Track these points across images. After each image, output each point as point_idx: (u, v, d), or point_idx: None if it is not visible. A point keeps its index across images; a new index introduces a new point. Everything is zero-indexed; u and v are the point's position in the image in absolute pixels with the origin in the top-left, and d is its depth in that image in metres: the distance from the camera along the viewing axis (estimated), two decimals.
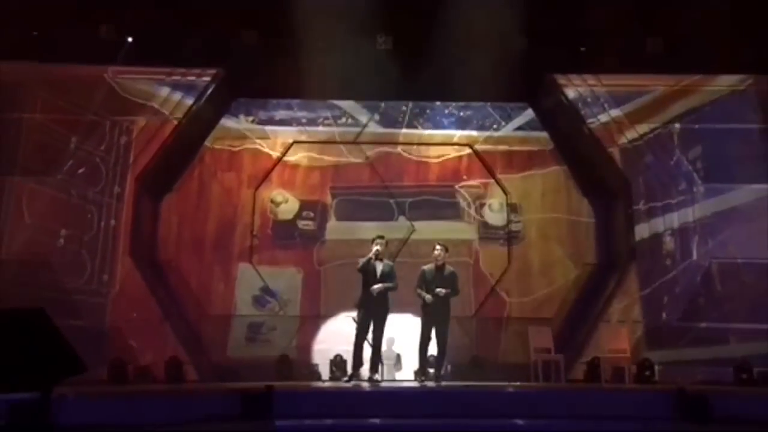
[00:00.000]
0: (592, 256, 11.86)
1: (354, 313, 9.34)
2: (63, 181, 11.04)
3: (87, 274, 10.90)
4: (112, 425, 5.91)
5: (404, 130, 12.30)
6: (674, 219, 11.20)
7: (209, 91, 11.73)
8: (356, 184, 12.06)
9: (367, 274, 8.83)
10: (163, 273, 11.58)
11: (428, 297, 8.80)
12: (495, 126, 12.29)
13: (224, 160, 12.12)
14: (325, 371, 10.75)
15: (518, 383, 9.38)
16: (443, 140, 12.32)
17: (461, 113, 12.38)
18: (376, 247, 8.85)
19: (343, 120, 12.32)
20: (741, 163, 11.10)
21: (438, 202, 11.98)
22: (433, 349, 9.06)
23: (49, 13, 10.52)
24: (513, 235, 11.90)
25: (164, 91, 11.57)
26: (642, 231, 11.26)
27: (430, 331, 8.93)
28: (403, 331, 10.13)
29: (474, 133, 12.28)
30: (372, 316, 8.83)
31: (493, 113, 12.33)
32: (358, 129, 12.29)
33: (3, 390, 4.36)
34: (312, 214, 11.96)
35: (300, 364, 10.92)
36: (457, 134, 12.32)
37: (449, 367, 10.10)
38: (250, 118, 12.27)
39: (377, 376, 9.00)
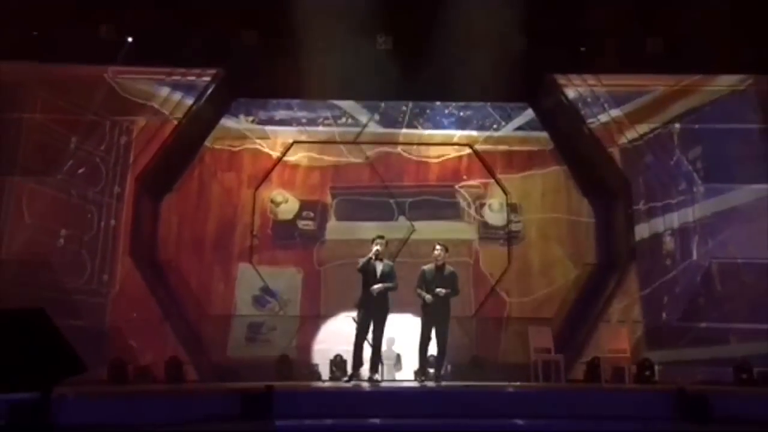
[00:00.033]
0: (592, 256, 11.86)
1: (354, 313, 9.35)
2: (63, 181, 11.04)
3: (87, 274, 10.90)
4: (112, 425, 5.91)
5: (404, 130, 12.30)
6: (674, 219, 11.20)
7: (209, 91, 11.73)
8: (356, 184, 12.07)
9: (367, 274, 8.83)
10: (163, 273, 11.58)
11: (428, 297, 8.81)
12: (495, 126, 12.29)
13: (224, 160, 12.12)
14: (325, 371, 10.75)
15: (518, 383, 9.38)
16: (443, 140, 12.32)
17: (461, 113, 12.38)
18: (376, 247, 8.85)
19: (343, 120, 12.32)
20: (741, 163, 11.10)
21: (438, 202, 11.98)
22: (433, 349, 9.06)
23: (49, 13, 10.53)
24: (513, 235, 11.91)
25: (164, 91, 11.57)
26: (642, 231, 11.27)
27: (430, 331, 8.93)
28: (403, 331, 10.14)
29: (474, 133, 12.28)
30: (372, 316, 8.83)
31: (493, 113, 12.33)
32: (358, 129, 12.29)
33: (3, 390, 4.35)
34: (312, 214, 11.96)
35: (300, 364, 10.92)
36: (457, 134, 12.33)
37: (449, 367, 10.10)
38: (250, 118, 12.27)
39: (377, 376, 9.00)
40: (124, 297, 10.91)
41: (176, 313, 11.25)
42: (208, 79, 11.65)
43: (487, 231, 11.94)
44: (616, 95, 11.60)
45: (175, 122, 11.53)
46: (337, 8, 10.10)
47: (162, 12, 10.71)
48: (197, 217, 11.85)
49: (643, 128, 11.50)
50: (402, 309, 9.50)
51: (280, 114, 12.30)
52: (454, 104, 12.40)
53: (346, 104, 12.36)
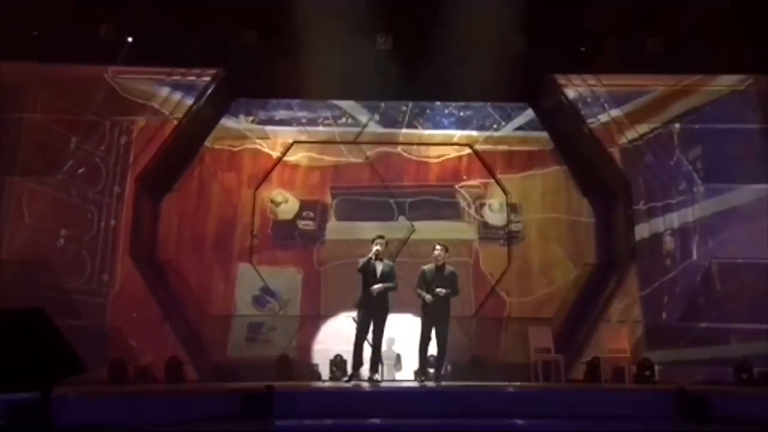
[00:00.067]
0: (592, 256, 11.87)
1: (354, 313, 9.34)
2: (63, 181, 11.05)
3: (87, 274, 10.91)
4: (113, 425, 5.91)
5: (404, 130, 12.31)
6: (674, 219, 11.21)
7: (209, 91, 11.73)
8: (356, 184, 12.08)
9: (367, 274, 8.84)
10: (163, 273, 11.59)
11: (428, 297, 8.81)
12: (495, 126, 12.30)
13: (224, 160, 12.13)
14: (325, 371, 10.76)
15: (518, 383, 9.39)
16: (443, 140, 12.33)
17: (461, 113, 12.39)
18: (376, 247, 8.85)
19: (343, 120, 12.33)
20: (741, 163, 11.10)
21: (438, 202, 11.99)
22: (433, 349, 9.06)
23: (49, 14, 10.53)
24: (513, 235, 11.91)
25: (164, 91, 11.57)
26: (642, 231, 11.27)
27: (430, 331, 8.94)
28: (403, 331, 10.14)
29: (474, 133, 12.29)
30: (372, 316, 8.83)
31: (493, 113, 12.34)
32: (358, 129, 12.30)
33: (3, 390, 4.35)
34: (312, 214, 11.97)
35: (300, 364, 10.93)
36: (457, 134, 12.33)
37: (449, 367, 10.11)
38: (250, 118, 12.28)
39: (377, 376, 9.00)
40: (124, 297, 10.91)
41: (176, 313, 11.26)
42: (208, 79, 11.65)
43: (487, 231, 11.95)
44: (616, 95, 11.60)
45: (175, 122, 11.53)
46: (337, 8, 10.11)
47: (162, 12, 10.71)
48: (197, 217, 11.86)
49: (643, 128, 11.50)
50: (402, 309, 9.50)
51: (280, 114, 12.31)
52: (454, 104, 12.41)
53: (346, 104, 12.36)
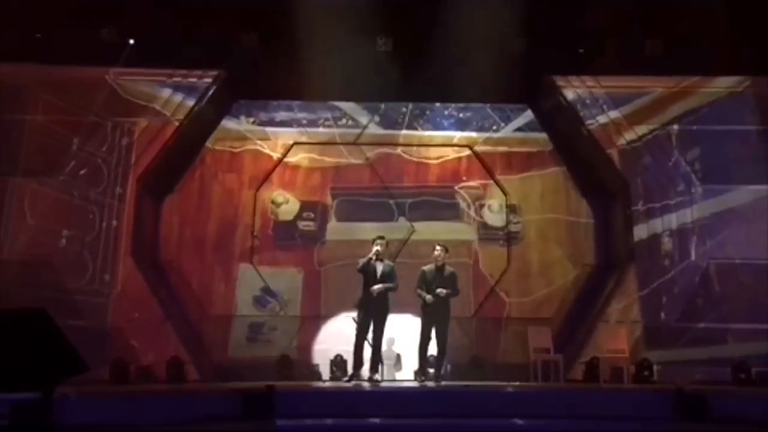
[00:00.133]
0: (591, 257, 11.90)
1: (354, 314, 9.35)
2: (65, 182, 11.08)
3: (89, 275, 10.94)
4: (114, 425, 5.92)
5: (404, 132, 12.35)
6: (672, 220, 11.24)
7: (210, 93, 11.75)
8: (356, 185, 12.11)
9: (368, 274, 8.86)
10: (165, 273, 11.62)
11: (429, 297, 8.83)
12: (494, 127, 12.33)
13: (225, 161, 12.17)
14: (325, 371, 10.77)
15: (517, 383, 9.41)
16: (443, 141, 12.36)
17: (461, 114, 12.43)
18: (376, 248, 8.88)
19: (344, 121, 12.36)
20: (739, 164, 11.13)
21: (438, 203, 12.02)
22: (433, 349, 9.09)
23: (51, 16, 10.55)
24: (512, 235, 11.94)
25: (165, 92, 11.60)
26: (640, 232, 11.31)
27: (430, 331, 8.96)
28: (403, 331, 10.16)
29: (473, 134, 12.32)
30: (372, 317, 8.86)
31: (493, 114, 12.38)
32: (358, 130, 12.33)
33: (5, 390, 4.38)
34: (312, 215, 12.00)
35: (300, 364, 10.96)
36: (457, 135, 12.37)
37: (449, 367, 10.12)
38: (251, 120, 12.32)
39: (377, 376, 9.02)
40: (125, 297, 10.95)
41: (177, 313, 11.29)
42: (209, 80, 11.68)
43: (486, 232, 11.99)
44: (614, 96, 11.62)
45: (177, 123, 11.56)
46: (337, 10, 10.10)
47: (163, 14, 10.70)
48: (198, 217, 11.90)
49: (641, 129, 11.53)
50: (402, 309, 9.53)
51: (281, 115, 12.34)
52: (453, 105, 12.44)
53: (347, 105, 12.40)
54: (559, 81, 11.77)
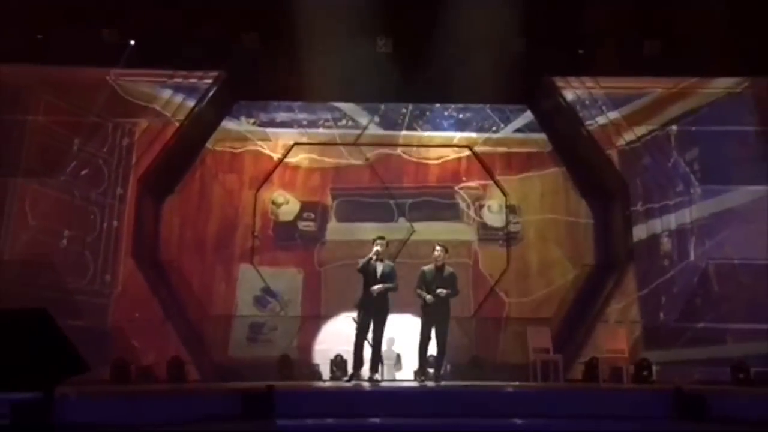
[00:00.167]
0: (591, 257, 11.92)
1: (354, 314, 9.35)
2: (66, 182, 11.11)
3: (89, 275, 10.97)
4: (115, 425, 5.92)
5: (404, 132, 12.37)
6: (671, 220, 11.26)
7: (211, 94, 11.77)
8: (356, 185, 12.13)
9: (368, 274, 8.89)
10: (165, 274, 11.64)
11: (429, 297, 8.85)
12: (494, 128, 12.35)
13: (225, 161, 12.19)
14: (325, 371, 10.79)
15: (517, 383, 9.43)
16: (443, 142, 12.38)
17: (460, 115, 12.44)
18: (376, 248, 8.90)
19: (344, 122, 12.38)
20: (737, 164, 11.15)
21: (437, 204, 12.04)
22: (432, 349, 9.11)
23: (52, 17, 10.59)
24: (512, 236, 11.96)
25: (166, 93, 11.62)
26: (640, 232, 11.32)
27: (430, 331, 8.99)
28: (403, 331, 10.18)
29: (473, 134, 12.34)
30: (372, 317, 8.89)
31: (492, 115, 12.40)
32: (358, 131, 12.35)
33: (6, 389, 4.40)
34: (312, 215, 12.02)
35: (301, 364, 10.98)
36: (457, 136, 12.38)
37: (449, 367, 10.15)
38: (251, 120, 12.33)
39: (377, 376, 9.05)
40: (126, 297, 10.97)
41: (178, 313, 11.31)
42: (209, 81, 11.70)
43: (486, 232, 12.01)
44: (613, 97, 11.64)
45: (177, 124, 11.58)
46: (337, 11, 10.12)
47: (164, 15, 10.72)
48: (199, 218, 11.92)
49: (640, 130, 11.55)
50: (402, 309, 9.55)
51: (281, 116, 12.36)
52: (453, 106, 12.46)
53: (347, 106, 12.41)
54: (559, 82, 11.78)
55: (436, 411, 6.85)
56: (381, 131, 12.39)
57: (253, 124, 12.32)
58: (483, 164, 12.20)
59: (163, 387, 9.29)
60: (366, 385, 8.56)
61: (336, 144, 12.29)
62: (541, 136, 12.31)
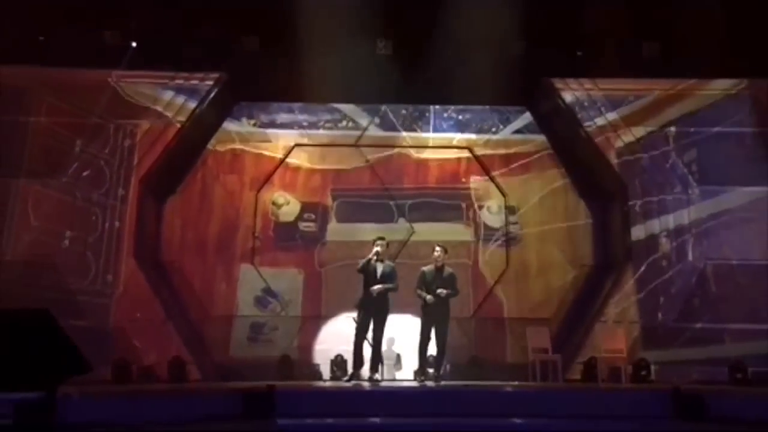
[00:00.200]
0: (590, 258, 11.94)
1: (354, 314, 9.34)
2: (68, 183, 11.14)
3: (91, 275, 10.99)
4: (116, 424, 5.92)
5: (404, 133, 12.40)
6: (670, 221, 11.27)
7: (212, 95, 11.80)
8: (357, 186, 12.17)
9: (368, 275, 8.92)
10: (167, 274, 11.66)
11: (429, 297, 8.88)
12: (494, 129, 12.38)
13: (226, 162, 12.21)
14: (326, 371, 10.82)
15: (516, 383, 9.47)
16: (442, 143, 12.40)
17: (460, 116, 12.47)
18: (376, 249, 8.93)
19: (344, 123, 12.41)
20: (735, 165, 11.17)
21: (437, 204, 12.06)
22: (432, 349, 9.13)
23: (54, 18, 10.63)
24: (511, 236, 11.99)
25: (167, 94, 11.66)
26: (638, 233, 11.33)
27: (430, 331, 9.01)
28: (403, 331, 10.21)
29: (473, 136, 12.37)
30: (372, 317, 8.92)
31: (492, 117, 12.44)
32: (358, 132, 12.38)
33: (8, 389, 4.41)
34: (313, 216, 12.04)
35: (301, 363, 11.01)
36: (456, 137, 12.41)
37: (448, 366, 10.16)
38: (252, 122, 12.36)
39: (377, 376, 9.07)
40: (127, 298, 11.00)
41: (179, 313, 11.33)
42: (210, 82, 11.73)
43: (485, 233, 12.03)
44: (612, 99, 11.68)
45: (179, 125, 11.61)
46: (337, 12, 10.16)
47: (165, 17, 10.77)
48: (200, 218, 11.94)
49: (639, 131, 11.57)
50: (402, 309, 9.58)
51: (282, 117, 12.39)
52: (453, 107, 12.48)
53: (347, 108, 12.45)
54: (558, 83, 11.82)
55: (436, 411, 6.86)
56: (381, 132, 12.41)
57: (254, 125, 12.35)
58: (482, 165, 12.23)
59: (164, 387, 9.29)
60: (366, 385, 8.58)
61: (336, 145, 12.32)
62: (540, 138, 12.34)
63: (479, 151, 12.27)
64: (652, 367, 10.25)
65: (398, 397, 7.64)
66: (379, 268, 8.95)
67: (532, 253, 11.93)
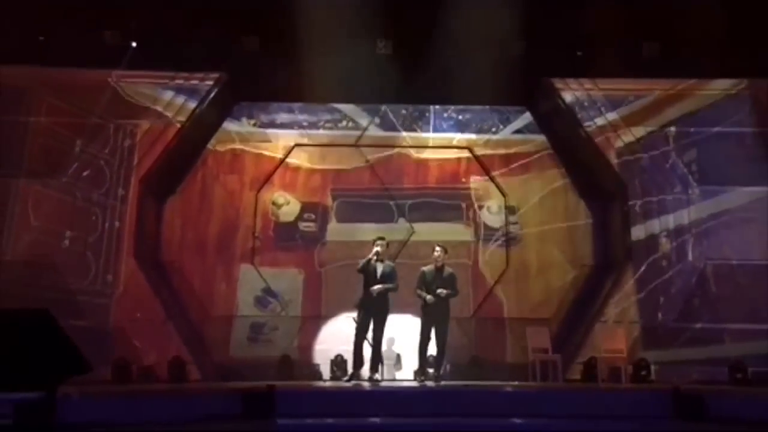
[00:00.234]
0: (590, 258, 11.94)
1: (354, 314, 9.34)
2: (68, 183, 11.15)
3: (91, 275, 11.00)
4: (116, 424, 5.93)
5: (404, 133, 12.40)
6: (670, 221, 11.27)
7: (212, 95, 11.80)
8: (357, 186, 12.17)
9: (368, 275, 8.92)
10: (167, 274, 11.67)
11: (429, 297, 8.89)
12: (494, 129, 12.39)
13: (226, 162, 12.22)
14: (326, 371, 10.83)
15: (516, 383, 9.46)
16: (443, 143, 12.41)
17: (460, 116, 12.47)
18: (376, 249, 8.93)
19: (344, 123, 12.42)
20: (735, 165, 11.17)
21: (437, 204, 12.07)
22: (432, 349, 9.13)
23: (54, 18, 10.63)
24: (511, 236, 11.99)
25: (168, 94, 11.66)
26: (638, 233, 11.34)
27: (430, 331, 9.02)
28: (403, 331, 10.22)
29: (473, 136, 12.38)
30: (372, 317, 8.92)
31: (492, 117, 12.44)
32: (358, 132, 12.38)
33: (8, 389, 4.40)
34: (313, 216, 12.05)
35: (301, 363, 11.02)
36: (457, 137, 12.41)
37: (448, 366, 10.17)
38: (252, 122, 12.37)
39: (377, 376, 9.07)
40: (127, 297, 11.00)
41: (179, 313, 11.34)
42: (210, 82, 11.74)
43: (485, 233, 12.03)
44: (612, 99, 11.68)
45: (179, 125, 11.61)
46: (337, 12, 10.16)
47: (165, 17, 10.77)
48: (200, 218, 11.95)
49: (639, 131, 11.58)
50: (402, 309, 9.59)
51: (282, 117, 12.40)
52: (453, 107, 12.48)
53: (347, 108, 12.45)
54: (558, 83, 11.82)
55: (436, 411, 6.87)
56: (381, 132, 12.42)
57: (254, 125, 12.36)
58: (482, 165, 12.23)
59: (164, 387, 9.30)
60: (366, 385, 8.58)
61: (336, 145, 12.32)
62: (540, 138, 12.34)
63: (479, 151, 12.28)
64: (652, 367, 10.26)
65: (398, 397, 7.63)
66: (379, 268, 8.95)
67: (532, 253, 11.93)
